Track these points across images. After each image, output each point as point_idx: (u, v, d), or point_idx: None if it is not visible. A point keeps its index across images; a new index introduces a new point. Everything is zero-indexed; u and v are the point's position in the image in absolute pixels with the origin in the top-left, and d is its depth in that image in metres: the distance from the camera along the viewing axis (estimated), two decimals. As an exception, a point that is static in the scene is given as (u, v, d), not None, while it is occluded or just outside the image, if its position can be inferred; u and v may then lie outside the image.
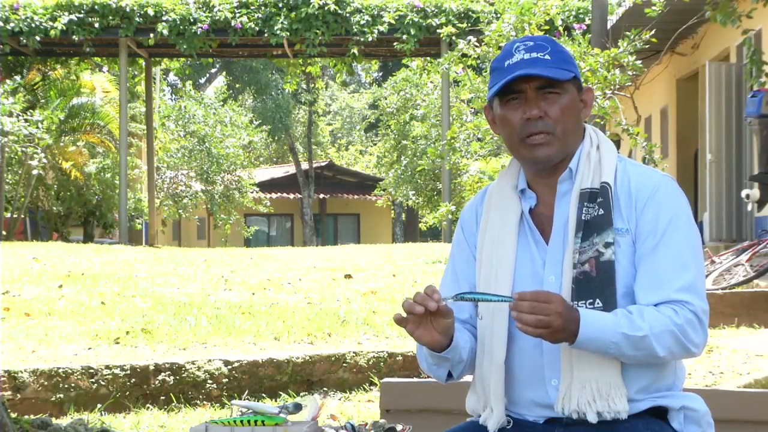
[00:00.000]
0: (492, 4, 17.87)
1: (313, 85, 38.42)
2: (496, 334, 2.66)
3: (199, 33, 19.11)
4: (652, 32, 11.45)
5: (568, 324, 2.45)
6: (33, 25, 18.96)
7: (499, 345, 2.65)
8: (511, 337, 2.67)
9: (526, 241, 2.67)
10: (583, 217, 2.59)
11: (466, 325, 2.74)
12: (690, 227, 2.61)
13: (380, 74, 42.98)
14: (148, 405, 6.56)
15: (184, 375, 6.67)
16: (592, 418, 2.54)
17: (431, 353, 2.63)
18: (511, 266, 2.66)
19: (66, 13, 18.96)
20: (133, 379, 6.60)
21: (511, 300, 2.47)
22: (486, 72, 13.44)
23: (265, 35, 19.16)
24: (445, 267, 2.86)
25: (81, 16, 19.00)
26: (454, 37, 15.94)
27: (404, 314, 2.54)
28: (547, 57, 2.62)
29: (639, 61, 11.58)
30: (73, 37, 18.99)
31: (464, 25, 18.09)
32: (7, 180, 22.65)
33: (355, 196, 41.55)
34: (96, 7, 19.00)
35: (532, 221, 2.68)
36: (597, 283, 2.55)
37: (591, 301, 2.55)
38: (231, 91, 41.96)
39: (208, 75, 44.93)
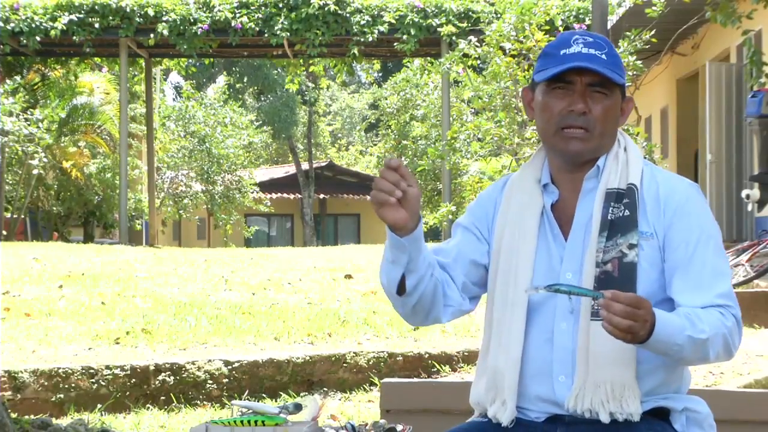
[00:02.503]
0: (492, 4, 17.87)
1: (314, 85, 38.44)
2: (514, 329, 2.64)
3: (199, 33, 19.10)
4: (653, 32, 11.45)
5: (648, 329, 2.42)
6: (33, 25, 18.95)
7: (517, 340, 2.64)
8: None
9: (544, 235, 2.67)
10: (609, 217, 2.59)
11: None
12: (718, 236, 2.63)
13: (380, 74, 42.98)
14: (148, 405, 6.56)
15: (184, 375, 6.68)
16: (605, 419, 2.54)
17: (392, 242, 2.53)
18: (530, 260, 2.65)
19: (66, 14, 18.95)
20: (134, 380, 6.61)
21: (600, 296, 2.40)
22: (486, 72, 13.43)
23: (266, 35, 19.15)
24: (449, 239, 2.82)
25: (81, 16, 18.99)
26: (454, 37, 15.95)
27: (379, 196, 2.47)
28: (604, 57, 2.62)
29: (639, 61, 11.59)
30: (73, 37, 18.98)
31: (464, 25, 18.08)
32: (8, 180, 22.66)
33: (356, 197, 41.55)
34: (96, 7, 18.99)
35: (553, 216, 2.68)
36: (618, 284, 2.53)
37: None
38: (231, 91, 41.96)
39: (210, 74, 44.91)
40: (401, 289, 2.60)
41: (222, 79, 45.18)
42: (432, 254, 2.65)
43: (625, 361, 2.54)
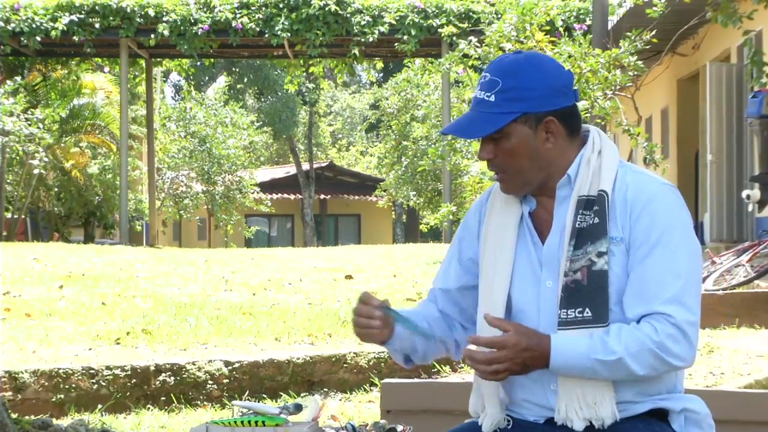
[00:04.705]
0: (493, 5, 17.86)
1: (314, 86, 38.43)
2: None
3: (199, 33, 19.11)
4: (653, 33, 11.44)
5: (531, 361, 2.49)
6: (34, 25, 18.96)
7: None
8: None
9: (525, 242, 2.67)
10: (577, 225, 2.57)
11: (450, 295, 2.81)
12: (686, 237, 2.57)
13: (381, 75, 42.97)
14: (148, 405, 6.56)
15: (184, 375, 6.68)
16: (579, 426, 2.54)
17: (386, 348, 2.77)
18: (508, 268, 2.65)
19: (66, 14, 18.96)
20: (134, 380, 6.61)
21: (430, 335, 2.68)
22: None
23: (266, 36, 19.16)
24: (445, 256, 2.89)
25: (81, 16, 19.00)
26: (454, 38, 15.94)
27: (360, 329, 2.69)
28: (492, 98, 2.58)
29: (640, 62, 11.58)
30: (74, 37, 18.99)
31: (465, 25, 18.08)
32: (8, 180, 22.66)
33: (356, 197, 41.56)
34: (96, 7, 19.00)
35: (533, 223, 2.68)
36: (587, 292, 2.54)
37: (580, 309, 2.53)
38: (232, 91, 41.96)
39: (211, 74, 44.90)
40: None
41: (222, 80, 45.18)
42: (426, 322, 2.78)
43: None
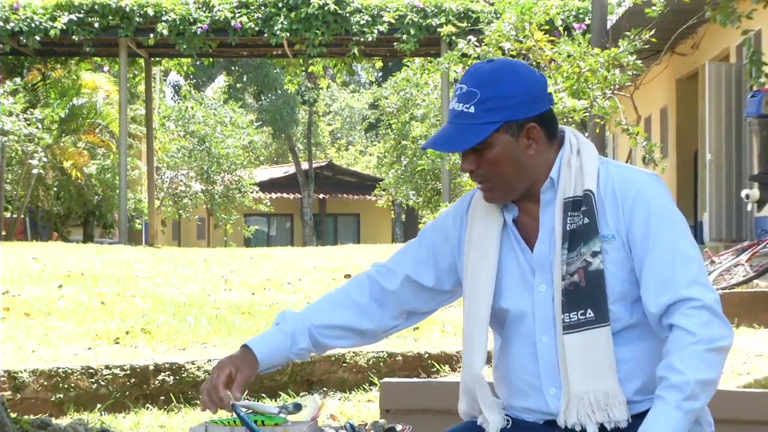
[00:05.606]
0: (492, 4, 17.86)
1: (313, 85, 38.42)
2: (476, 344, 2.66)
3: (198, 33, 19.10)
4: (652, 32, 11.44)
5: None
6: (33, 24, 18.96)
7: (479, 355, 2.65)
8: (506, 345, 2.68)
9: (511, 249, 2.66)
10: (568, 227, 2.56)
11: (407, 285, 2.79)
12: (681, 221, 2.58)
13: (380, 74, 42.98)
14: (147, 405, 6.56)
15: (183, 375, 6.68)
16: (592, 430, 2.54)
17: None
18: (491, 276, 2.64)
19: (66, 13, 18.95)
20: (133, 379, 6.61)
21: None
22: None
23: (265, 35, 19.15)
24: (411, 241, 2.87)
25: (81, 16, 19.00)
26: (454, 37, 15.94)
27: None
28: (471, 109, 2.55)
29: (639, 61, 11.58)
30: (73, 37, 18.99)
31: (464, 24, 18.07)
32: (7, 180, 22.65)
33: (355, 196, 41.56)
34: (96, 7, 19.00)
35: (517, 230, 2.67)
36: (587, 294, 2.53)
37: (582, 311, 2.53)
38: (231, 91, 41.94)
39: (210, 74, 44.90)
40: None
41: (222, 79, 45.17)
42: (298, 344, 2.84)
43: (603, 369, 2.52)
